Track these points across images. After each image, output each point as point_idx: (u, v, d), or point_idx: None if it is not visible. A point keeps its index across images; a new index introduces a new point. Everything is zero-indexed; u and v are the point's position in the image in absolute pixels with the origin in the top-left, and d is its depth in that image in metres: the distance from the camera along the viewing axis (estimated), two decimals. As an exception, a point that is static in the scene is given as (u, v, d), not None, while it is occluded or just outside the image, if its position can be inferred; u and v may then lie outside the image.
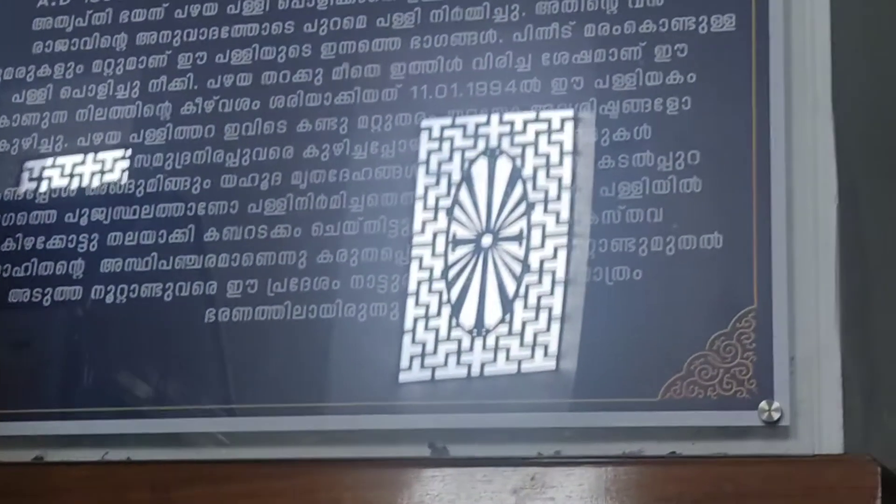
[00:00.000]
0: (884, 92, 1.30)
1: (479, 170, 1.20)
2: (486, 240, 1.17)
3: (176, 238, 1.23)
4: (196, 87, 1.27)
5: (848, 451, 1.05)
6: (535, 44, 1.20)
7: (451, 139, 1.21)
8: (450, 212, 1.19)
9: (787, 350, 1.08)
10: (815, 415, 1.06)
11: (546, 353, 1.13)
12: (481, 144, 1.20)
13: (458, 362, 1.14)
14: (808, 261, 1.10)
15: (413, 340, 1.16)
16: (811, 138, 1.13)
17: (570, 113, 1.19)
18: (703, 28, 1.17)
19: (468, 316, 1.15)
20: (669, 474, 1.06)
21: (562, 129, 1.18)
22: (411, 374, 1.15)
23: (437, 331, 1.16)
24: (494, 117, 1.20)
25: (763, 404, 1.06)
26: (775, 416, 1.06)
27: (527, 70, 1.20)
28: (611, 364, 1.11)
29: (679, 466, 1.06)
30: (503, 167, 1.19)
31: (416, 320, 1.16)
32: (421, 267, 1.17)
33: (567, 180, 1.17)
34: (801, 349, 1.08)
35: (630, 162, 1.15)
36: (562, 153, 1.18)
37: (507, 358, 1.14)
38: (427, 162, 1.21)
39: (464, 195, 1.19)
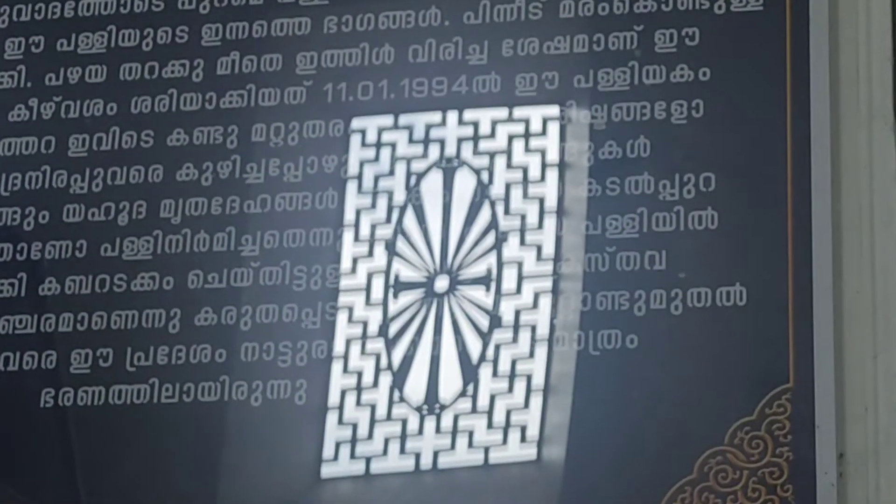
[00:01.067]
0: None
1: (432, 186, 1.21)
2: (441, 283, 1.18)
3: (2, 291, 1.23)
4: (30, 85, 1.28)
5: (918, 584, 1.06)
6: (493, 27, 1.22)
7: (392, 146, 1.22)
8: (390, 245, 1.20)
9: (835, 444, 1.08)
10: (878, 538, 1.08)
11: (523, 439, 1.14)
12: (433, 153, 1.21)
13: (403, 451, 1.15)
14: (862, 322, 1.11)
15: (340, 422, 1.16)
16: (867, 154, 1.14)
17: (537, 119, 1.20)
18: (719, 6, 1.18)
19: (416, 387, 1.16)
20: None
21: (542, 134, 1.20)
22: (336, 467, 1.15)
23: (372, 408, 1.16)
24: (451, 118, 1.22)
25: (806, 524, 1.08)
26: (823, 542, 1.07)
27: (482, 62, 1.21)
28: (600, 462, 1.12)
29: None
30: (464, 183, 1.20)
31: (343, 394, 1.17)
32: (350, 321, 1.18)
33: (550, 204, 1.18)
34: (854, 442, 1.09)
35: (622, 188, 1.16)
36: (543, 166, 1.19)
37: (470, 444, 1.14)
38: (359, 178, 1.22)
39: (409, 222, 1.20)
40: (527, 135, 1.20)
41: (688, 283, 1.13)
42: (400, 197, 1.21)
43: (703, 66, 1.17)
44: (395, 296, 1.18)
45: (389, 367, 1.17)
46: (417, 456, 1.14)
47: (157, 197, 1.23)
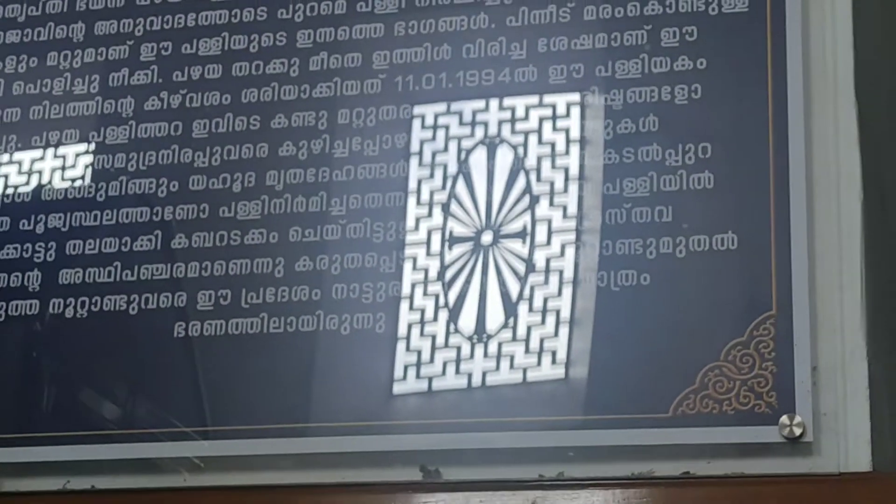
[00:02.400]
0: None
1: (478, 160, 1.20)
2: (487, 237, 1.18)
3: (141, 245, 1.24)
4: (161, 81, 1.28)
5: (877, 469, 1.06)
6: (531, 28, 1.21)
7: (447, 127, 1.21)
8: (445, 207, 1.19)
9: (810, 359, 1.08)
10: (840, 429, 1.07)
11: (554, 361, 1.13)
12: (479, 133, 1.20)
13: (458, 371, 1.15)
14: (831, 261, 1.11)
15: (407, 349, 1.16)
16: (833, 127, 1.13)
17: (570, 102, 1.19)
18: (713, 8, 1.18)
19: (468, 321, 1.16)
20: (683, 496, 1.07)
21: (567, 115, 1.19)
22: (405, 385, 1.16)
23: (433, 337, 1.16)
24: (493, 104, 1.21)
25: (784, 419, 1.07)
26: (797, 431, 1.06)
27: (521, 57, 1.21)
28: (618, 377, 1.12)
29: (693, 488, 1.07)
30: (504, 157, 1.19)
31: (410, 327, 1.17)
32: (415, 268, 1.18)
33: (574, 171, 1.17)
34: (825, 358, 1.08)
35: (636, 156, 1.16)
36: (568, 142, 1.18)
37: (511, 366, 1.14)
38: (420, 153, 1.21)
39: (461, 188, 1.20)
40: (554, 116, 1.19)
41: (689, 231, 1.13)
42: (452, 168, 1.20)
43: (700, 57, 1.17)
44: (450, 248, 1.18)
45: (446, 304, 1.16)
46: (469, 376, 1.14)
47: (263, 169, 1.23)
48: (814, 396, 1.07)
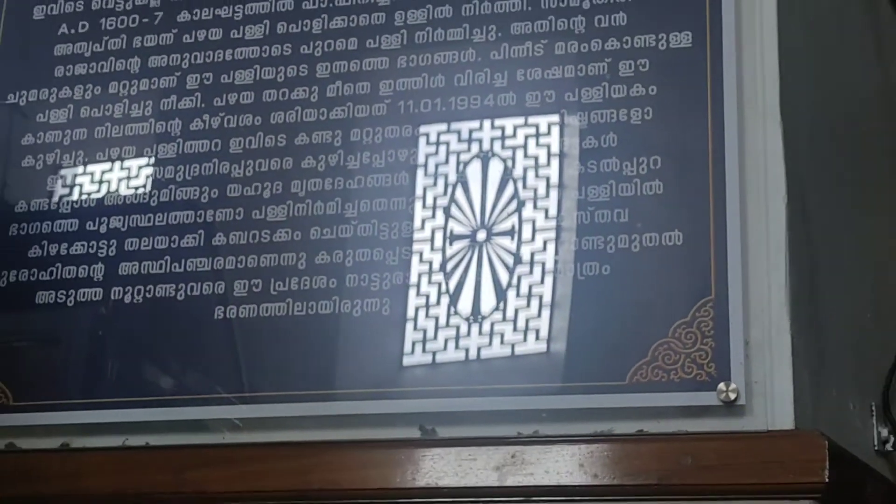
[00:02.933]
0: (828, 99, 1.31)
1: (473, 171, 1.19)
2: (481, 235, 1.17)
3: (187, 242, 1.23)
4: (203, 105, 1.27)
5: (798, 427, 1.06)
6: (511, 61, 1.20)
7: (447, 143, 1.20)
8: (446, 210, 1.19)
9: (742, 335, 1.08)
10: (768, 394, 1.07)
11: (537, 338, 1.13)
12: (474, 148, 1.20)
13: (457, 347, 1.15)
14: (760, 254, 1.10)
15: (415, 328, 1.16)
16: (762, 143, 1.13)
17: (544, 122, 1.19)
18: (662, 45, 1.17)
19: (465, 304, 1.15)
20: (637, 451, 1.07)
21: (543, 134, 1.18)
22: (413, 358, 1.15)
23: (436, 318, 1.16)
24: (486, 124, 1.20)
25: (721, 385, 1.07)
26: (732, 396, 1.06)
27: (503, 85, 1.20)
28: (584, 351, 1.12)
29: (645, 443, 1.07)
30: (495, 168, 1.19)
31: (417, 309, 1.16)
32: (421, 261, 1.17)
33: (541, 169, 1.17)
34: (755, 334, 1.08)
35: (598, 167, 1.15)
36: (537, 149, 1.18)
37: (502, 342, 1.14)
38: (424, 165, 1.20)
39: (459, 194, 1.19)
40: (537, 134, 1.18)
41: (643, 230, 1.13)
42: (452, 178, 1.19)
43: (651, 85, 1.16)
44: (451, 244, 1.18)
45: (447, 291, 1.16)
46: (467, 350, 1.14)
47: (288, 178, 1.22)
48: (746, 367, 1.07)
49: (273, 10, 1.28)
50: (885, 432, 1.27)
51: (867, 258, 1.36)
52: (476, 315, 1.15)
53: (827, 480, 1.02)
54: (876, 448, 1.26)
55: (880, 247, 1.41)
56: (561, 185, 1.16)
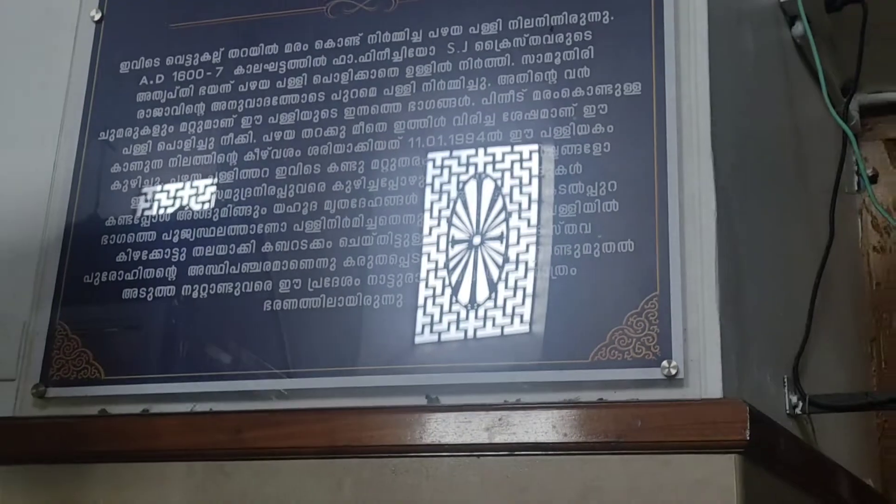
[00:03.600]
0: (750, 134, 1.31)
1: (471, 188, 1.19)
2: (477, 239, 1.17)
3: (242, 250, 1.23)
4: (255, 141, 1.27)
5: (726, 396, 1.06)
6: (498, 106, 1.20)
7: (449, 168, 1.20)
8: (449, 220, 1.18)
9: (682, 323, 1.08)
10: (701, 370, 1.07)
11: (520, 320, 1.13)
12: (471, 171, 1.19)
13: (458, 328, 1.14)
14: (695, 259, 1.11)
15: (424, 313, 1.15)
16: (696, 170, 1.13)
17: (522, 155, 1.18)
18: (618, 92, 1.17)
19: (464, 294, 1.15)
20: (598, 415, 1.07)
21: (529, 160, 1.18)
22: (423, 337, 1.15)
23: (441, 306, 1.16)
24: (480, 152, 1.19)
25: (664, 363, 1.07)
26: (673, 371, 1.07)
27: (492, 125, 1.20)
28: (556, 335, 1.12)
29: (605, 409, 1.07)
30: (488, 186, 1.18)
31: (426, 299, 1.16)
32: (429, 260, 1.17)
33: (529, 195, 1.16)
34: (691, 322, 1.09)
35: (567, 189, 1.16)
36: (523, 176, 1.17)
37: (494, 324, 1.13)
38: (431, 185, 1.20)
39: (459, 207, 1.18)
40: (520, 161, 1.18)
41: (602, 239, 1.13)
42: (454, 194, 1.19)
43: (609, 124, 1.16)
44: (452, 246, 1.17)
45: (450, 284, 1.16)
46: (465, 331, 1.14)
47: (322, 199, 1.22)
48: (684, 348, 1.08)
49: (310, 66, 1.28)
50: (794, 399, 1.27)
51: (779, 261, 1.36)
52: (472, 303, 1.15)
53: (748, 438, 1.03)
54: (787, 412, 1.26)
55: (789, 252, 1.41)
56: (539, 202, 1.16)
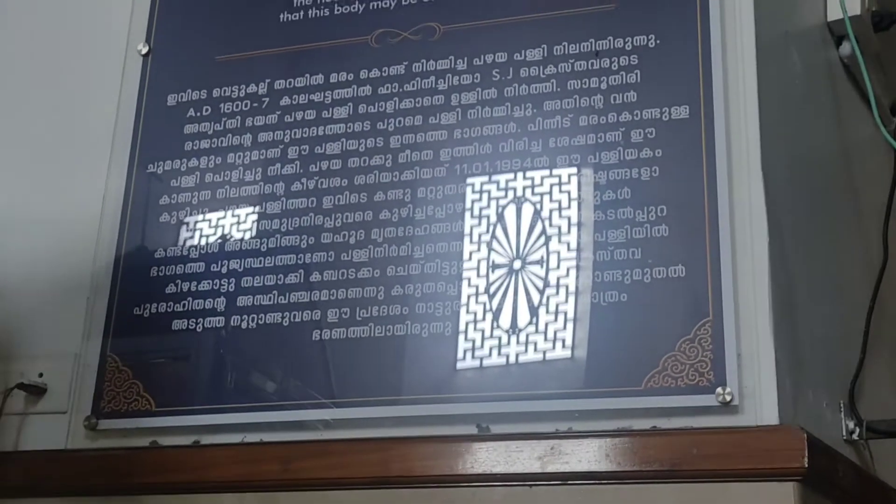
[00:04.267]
0: (799, 156, 1.29)
1: (510, 212, 1.18)
2: (517, 264, 1.16)
3: (290, 280, 1.23)
4: (301, 171, 1.27)
5: (782, 423, 1.05)
6: (544, 132, 1.20)
7: (488, 192, 1.20)
8: (489, 245, 1.18)
9: (735, 349, 1.07)
10: (756, 396, 1.06)
11: (564, 346, 1.12)
12: (510, 195, 1.19)
13: (499, 353, 1.13)
14: (747, 283, 1.09)
15: (466, 338, 1.15)
16: (747, 194, 1.12)
17: (572, 180, 1.17)
18: (665, 116, 1.16)
19: (505, 319, 1.15)
20: (652, 443, 1.06)
21: (569, 188, 1.17)
22: (465, 363, 1.14)
23: (482, 331, 1.15)
24: (519, 176, 1.19)
25: (719, 390, 1.06)
26: (728, 398, 1.06)
27: (538, 151, 1.20)
28: (608, 361, 1.11)
29: (658, 437, 1.06)
30: (527, 211, 1.18)
31: (467, 324, 1.15)
32: (469, 285, 1.17)
33: (574, 221, 1.15)
34: (745, 348, 1.07)
35: (616, 215, 1.15)
36: (570, 202, 1.16)
37: (535, 350, 1.13)
38: (471, 210, 1.19)
39: (499, 232, 1.18)
40: (567, 187, 1.17)
41: (653, 265, 1.12)
42: (493, 219, 1.18)
43: (658, 148, 1.15)
44: (493, 271, 1.16)
45: (491, 309, 1.15)
46: (507, 356, 1.13)
47: (369, 227, 1.22)
48: (739, 374, 1.06)
49: (355, 95, 1.28)
50: (851, 424, 1.25)
51: (832, 284, 1.34)
52: (521, 329, 1.14)
53: (807, 466, 1.01)
54: (844, 438, 1.24)
55: (842, 274, 1.39)
56: (583, 226, 1.15)
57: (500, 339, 1.14)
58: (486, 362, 1.13)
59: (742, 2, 1.17)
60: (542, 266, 1.15)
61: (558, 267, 1.14)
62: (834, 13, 1.44)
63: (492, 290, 1.16)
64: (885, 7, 1.49)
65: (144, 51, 1.38)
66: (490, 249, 1.17)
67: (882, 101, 1.55)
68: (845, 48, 1.46)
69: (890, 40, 1.51)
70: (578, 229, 1.15)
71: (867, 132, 1.52)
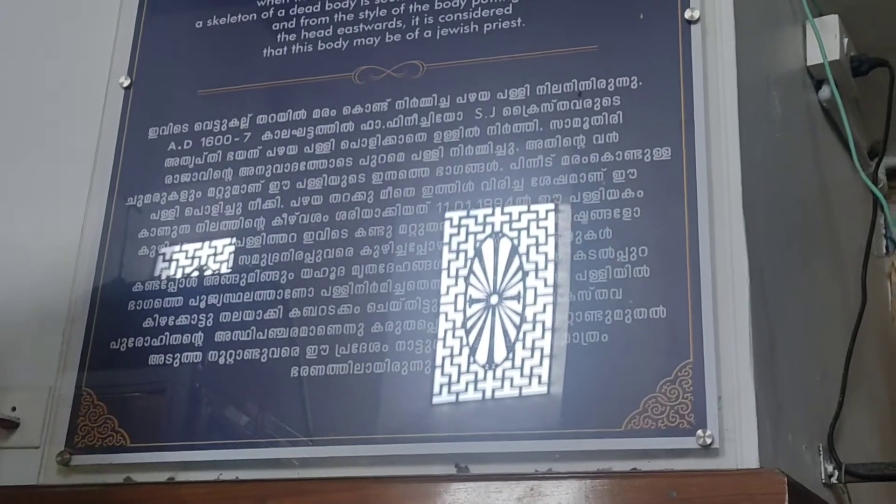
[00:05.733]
0: (779, 196, 1.30)
1: (488, 247, 1.18)
2: (494, 299, 1.16)
3: (269, 315, 1.22)
4: (283, 206, 1.26)
5: (762, 466, 1.04)
6: (526, 171, 1.20)
7: (466, 227, 1.19)
8: (466, 279, 1.17)
9: (716, 391, 1.06)
10: (737, 439, 1.05)
11: (540, 383, 1.11)
12: (488, 230, 1.18)
13: (475, 389, 1.13)
14: (728, 325, 1.09)
15: (442, 373, 1.14)
16: (728, 235, 1.12)
17: (552, 216, 1.17)
18: (647, 157, 1.16)
19: (482, 354, 1.14)
20: (632, 485, 1.05)
21: (547, 221, 1.17)
22: (441, 398, 1.13)
23: (459, 366, 1.14)
24: (497, 211, 1.19)
25: (699, 432, 1.05)
26: (708, 440, 1.05)
27: (520, 190, 1.19)
28: (587, 402, 1.10)
29: (638, 479, 1.05)
30: (504, 246, 1.17)
31: (444, 359, 1.14)
32: (446, 320, 1.16)
33: (552, 256, 1.15)
34: (726, 390, 1.07)
35: (597, 255, 1.14)
36: (547, 238, 1.16)
37: (511, 386, 1.12)
38: (449, 245, 1.19)
39: (476, 267, 1.18)
40: (537, 220, 1.17)
41: (634, 305, 1.11)
42: (471, 253, 1.18)
43: (639, 189, 1.15)
44: (470, 306, 1.16)
45: (468, 344, 1.14)
46: (483, 391, 1.12)
47: (350, 264, 1.21)
48: (719, 417, 1.05)
49: (338, 131, 1.28)
50: (830, 468, 1.25)
51: (812, 326, 1.34)
52: (499, 371, 1.13)
53: (787, 509, 1.00)
54: (823, 481, 1.24)
55: (821, 317, 1.39)
56: (563, 264, 1.15)
57: (475, 374, 1.13)
58: (462, 398, 1.13)
59: (723, 45, 1.18)
60: (518, 301, 1.14)
61: (535, 303, 1.14)
62: (814, 58, 1.45)
63: (468, 325, 1.15)
64: (863, 52, 1.51)
65: (126, 83, 1.37)
66: (468, 285, 1.17)
67: (861, 145, 1.56)
68: (825, 92, 1.47)
69: (868, 85, 1.52)
70: (557, 267, 1.15)
71: (846, 175, 1.53)
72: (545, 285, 1.15)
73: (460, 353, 1.14)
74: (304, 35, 1.33)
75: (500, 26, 1.26)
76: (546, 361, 1.12)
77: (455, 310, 1.16)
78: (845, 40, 1.46)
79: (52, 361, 1.27)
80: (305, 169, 1.27)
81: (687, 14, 1.19)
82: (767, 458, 1.05)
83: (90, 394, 1.24)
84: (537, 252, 1.17)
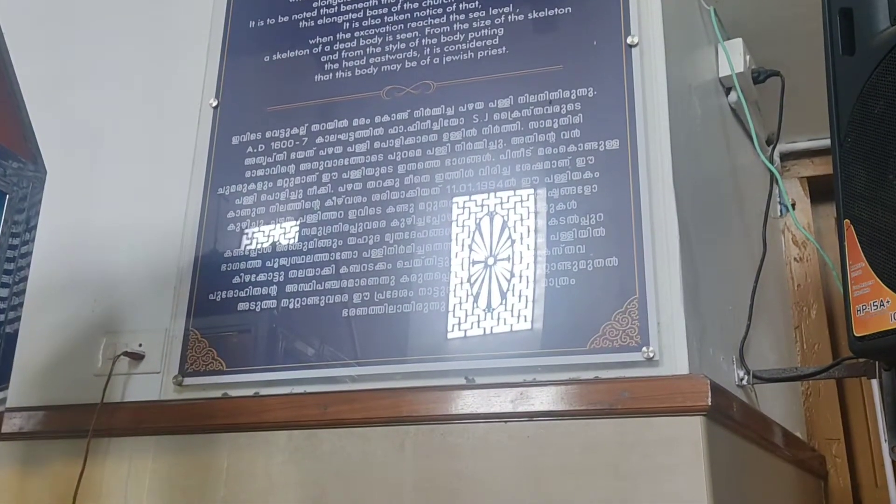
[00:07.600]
0: (700, 177, 1.29)
1: (486, 222, 1.18)
2: (491, 261, 1.16)
3: (325, 272, 1.22)
4: (332, 191, 1.26)
5: (691, 373, 1.05)
6: (512, 160, 1.19)
7: (469, 207, 1.19)
8: (470, 246, 1.17)
9: (656, 318, 1.07)
10: (672, 353, 1.06)
11: (525, 317, 1.11)
12: (485, 209, 1.18)
13: (479, 326, 1.13)
14: (664, 270, 1.09)
15: (454, 315, 1.14)
16: (662, 205, 1.12)
17: (531, 196, 1.17)
18: (602, 147, 1.16)
19: (483, 301, 1.14)
20: (595, 389, 1.06)
21: (528, 201, 1.16)
22: (454, 333, 1.13)
23: (466, 310, 1.14)
24: (492, 196, 1.18)
25: (644, 349, 1.06)
26: (651, 354, 1.05)
27: (508, 174, 1.19)
28: (562, 329, 1.10)
29: (600, 384, 1.06)
30: (498, 220, 1.17)
31: (454, 305, 1.15)
32: (456, 277, 1.16)
33: (532, 225, 1.15)
34: (663, 318, 1.07)
35: (566, 221, 1.14)
36: (530, 214, 1.15)
37: (505, 322, 1.12)
38: (457, 221, 1.19)
39: (477, 237, 1.17)
40: (529, 200, 1.16)
41: (594, 257, 1.11)
42: (473, 227, 1.17)
43: (596, 171, 1.14)
44: (473, 265, 1.15)
45: (472, 294, 1.14)
46: (485, 328, 1.13)
47: (383, 233, 1.21)
48: (659, 337, 1.06)
49: (371, 135, 1.27)
50: (741, 373, 1.25)
51: (727, 270, 1.34)
52: (489, 307, 1.13)
53: (710, 404, 1.01)
54: (736, 383, 1.24)
55: (734, 263, 1.39)
56: (539, 230, 1.14)
57: (478, 315, 1.13)
58: (469, 332, 1.13)
59: (656, 63, 1.18)
60: (509, 261, 1.14)
61: (521, 262, 1.14)
62: (724, 70, 1.44)
63: (472, 280, 1.15)
64: (761, 66, 1.50)
65: (214, 104, 1.37)
66: (470, 251, 1.16)
67: (760, 136, 1.55)
68: (732, 96, 1.46)
69: (766, 90, 1.51)
70: (536, 233, 1.14)
71: (750, 158, 1.52)
72: (528, 249, 1.14)
73: (467, 300, 1.14)
74: (345, 64, 1.32)
75: (490, 53, 1.25)
76: (529, 302, 1.12)
77: (462, 268, 1.16)
78: (747, 57, 1.45)
79: (167, 310, 1.28)
80: (348, 164, 1.26)
81: (629, 40, 1.19)
82: (695, 366, 1.06)
83: (195, 333, 1.25)
84: (521, 223, 1.16)
